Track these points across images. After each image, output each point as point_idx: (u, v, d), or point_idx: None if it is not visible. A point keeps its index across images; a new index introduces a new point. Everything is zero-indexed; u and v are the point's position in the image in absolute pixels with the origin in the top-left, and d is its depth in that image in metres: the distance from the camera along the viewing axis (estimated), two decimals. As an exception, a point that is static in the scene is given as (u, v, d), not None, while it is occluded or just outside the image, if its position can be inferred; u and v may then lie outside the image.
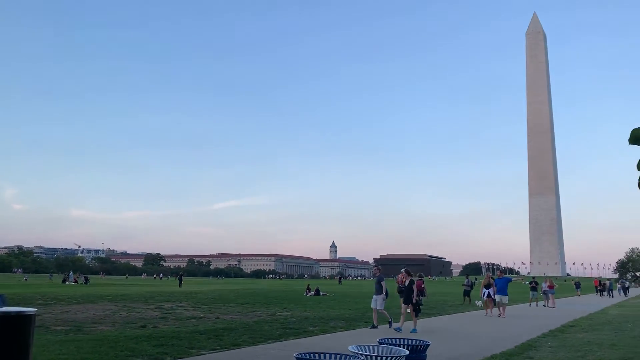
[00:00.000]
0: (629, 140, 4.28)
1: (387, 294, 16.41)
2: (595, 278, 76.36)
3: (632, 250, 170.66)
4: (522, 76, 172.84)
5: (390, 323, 16.12)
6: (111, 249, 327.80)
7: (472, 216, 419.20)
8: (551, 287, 32.06)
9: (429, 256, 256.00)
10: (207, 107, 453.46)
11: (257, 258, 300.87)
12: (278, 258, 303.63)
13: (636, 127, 4.29)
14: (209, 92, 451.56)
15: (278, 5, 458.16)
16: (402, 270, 17.21)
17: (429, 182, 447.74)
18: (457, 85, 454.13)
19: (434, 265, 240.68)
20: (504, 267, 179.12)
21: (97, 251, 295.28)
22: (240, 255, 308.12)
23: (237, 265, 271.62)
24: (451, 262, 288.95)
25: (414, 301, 15.92)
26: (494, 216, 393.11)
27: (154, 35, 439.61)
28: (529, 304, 31.49)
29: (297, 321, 17.74)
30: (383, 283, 16.24)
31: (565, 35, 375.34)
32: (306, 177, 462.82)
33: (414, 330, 15.35)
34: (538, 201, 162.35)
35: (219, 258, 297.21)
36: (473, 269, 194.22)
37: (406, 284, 16.19)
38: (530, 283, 33.07)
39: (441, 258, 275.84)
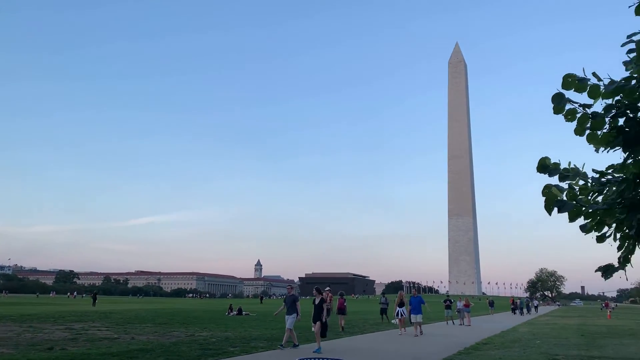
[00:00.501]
0: (537, 168, 4.55)
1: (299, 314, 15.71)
2: (510, 297, 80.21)
3: (541, 270, 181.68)
4: (445, 102, 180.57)
5: (284, 345, 15.50)
6: (19, 265, 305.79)
7: (396, 236, 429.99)
8: (467, 305, 33.19)
9: (354, 275, 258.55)
10: (126, 117, 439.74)
11: (178, 276, 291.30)
12: (200, 277, 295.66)
13: (544, 156, 4.57)
14: (129, 100, 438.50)
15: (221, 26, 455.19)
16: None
17: (356, 202, 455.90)
18: (386, 109, 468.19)
19: (358, 284, 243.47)
20: (425, 286, 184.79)
21: (2, 267, 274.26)
22: (160, 273, 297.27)
23: (157, 284, 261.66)
24: (374, 281, 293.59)
25: (324, 320, 15.78)
26: (416, 236, 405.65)
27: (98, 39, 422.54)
28: (445, 322, 32.40)
29: (217, 342, 17.28)
30: (298, 303, 15.83)
31: (483, 65, 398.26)
32: (232, 194, 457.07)
33: (318, 350, 14.73)
34: (457, 222, 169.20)
35: (137, 276, 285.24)
36: (395, 287, 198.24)
37: (316, 302, 15.97)
38: (445, 302, 33.98)
39: (365, 277, 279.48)
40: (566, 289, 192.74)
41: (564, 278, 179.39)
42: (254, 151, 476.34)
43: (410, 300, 22.74)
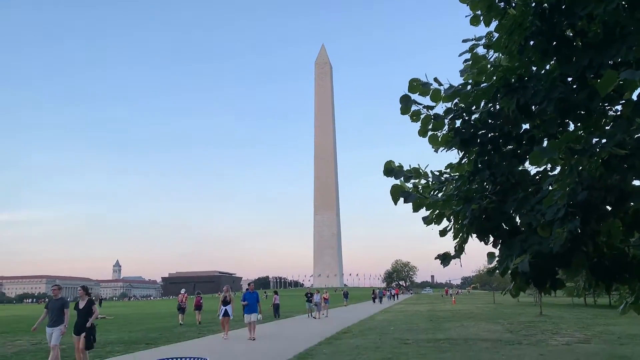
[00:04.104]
0: (383, 172, 4.89)
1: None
2: (372, 288, 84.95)
3: (396, 261, 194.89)
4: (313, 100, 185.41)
5: None
6: None
7: (263, 232, 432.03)
8: (326, 298, 34.64)
9: (220, 272, 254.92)
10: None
11: (24, 280, 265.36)
12: (51, 280, 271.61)
13: (389, 159, 4.92)
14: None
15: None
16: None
17: (222, 199, 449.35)
18: (256, 107, 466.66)
19: (225, 281, 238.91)
20: (291, 280, 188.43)
21: None
22: (2, 277, 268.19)
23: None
24: (241, 278, 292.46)
25: (89, 326, 11.40)
26: (283, 232, 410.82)
27: None
28: (307, 315, 32.93)
29: (68, 348, 16.00)
30: (66, 310, 11.33)
31: (346, 66, 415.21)
32: (83, 190, 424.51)
33: None
34: (322, 218, 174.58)
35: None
36: (262, 283, 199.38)
37: (80, 306, 11.46)
38: (307, 295, 34.24)
39: (232, 274, 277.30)
40: (418, 278, 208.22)
41: (416, 268, 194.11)
42: (110, 145, 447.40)
43: (245, 296, 18.66)
